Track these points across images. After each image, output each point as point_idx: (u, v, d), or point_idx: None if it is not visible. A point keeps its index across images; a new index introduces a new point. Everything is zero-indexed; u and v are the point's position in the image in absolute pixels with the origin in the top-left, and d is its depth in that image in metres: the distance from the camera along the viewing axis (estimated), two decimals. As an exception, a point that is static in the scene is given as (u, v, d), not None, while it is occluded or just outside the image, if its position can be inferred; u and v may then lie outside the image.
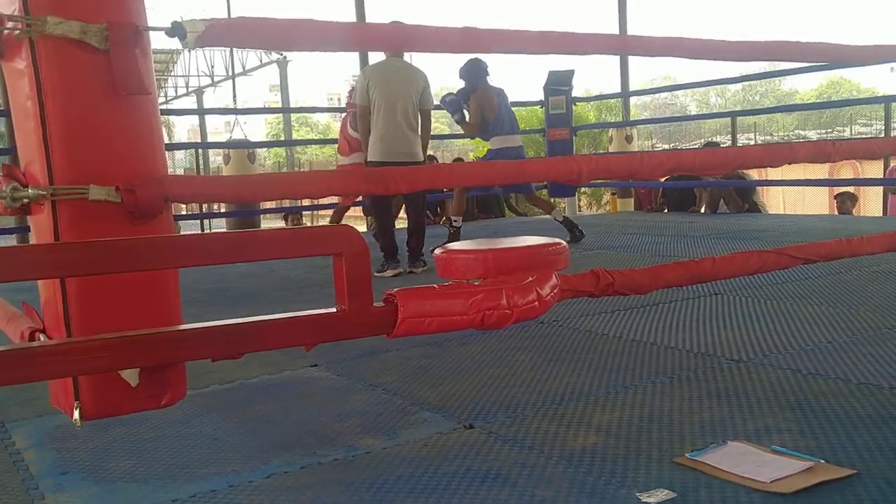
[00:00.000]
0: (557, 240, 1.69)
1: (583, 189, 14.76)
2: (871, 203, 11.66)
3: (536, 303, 1.46)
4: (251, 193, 1.59)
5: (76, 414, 1.56)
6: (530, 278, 1.49)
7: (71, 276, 1.36)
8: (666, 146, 26.08)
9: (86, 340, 1.29)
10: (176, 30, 1.55)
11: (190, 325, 1.38)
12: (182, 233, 8.85)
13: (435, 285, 1.36)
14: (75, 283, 1.47)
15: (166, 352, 1.36)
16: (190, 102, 29.47)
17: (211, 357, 1.40)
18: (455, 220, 6.00)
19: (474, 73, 5.92)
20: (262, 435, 2.10)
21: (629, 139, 9.86)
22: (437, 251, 1.78)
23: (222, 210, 9.26)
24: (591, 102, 18.18)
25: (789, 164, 2.28)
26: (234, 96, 23.72)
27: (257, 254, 1.25)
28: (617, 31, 12.24)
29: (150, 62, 1.58)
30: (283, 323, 1.25)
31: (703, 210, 8.46)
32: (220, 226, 13.98)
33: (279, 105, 24.96)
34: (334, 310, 1.26)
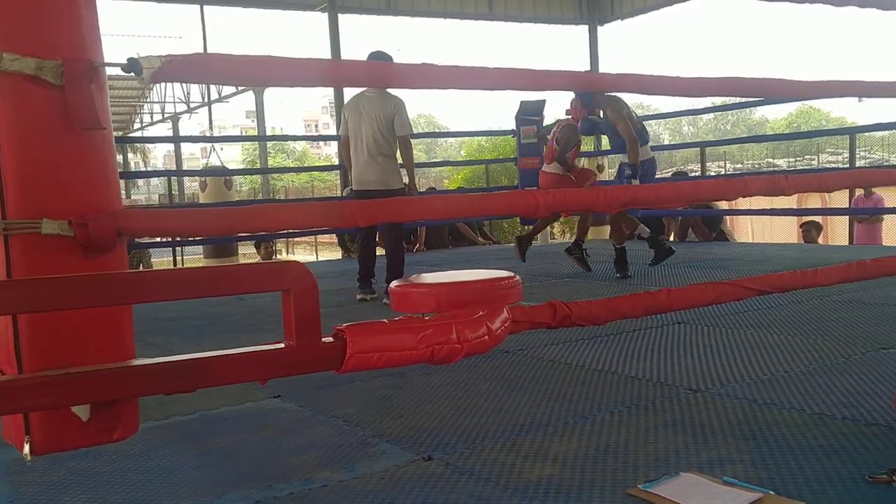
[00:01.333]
0: (510, 273, 1.72)
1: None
2: (838, 231, 11.84)
3: (486, 337, 1.48)
4: (206, 227, 1.60)
5: (27, 448, 1.55)
6: (481, 312, 1.51)
7: (19, 312, 1.36)
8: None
9: (35, 377, 1.29)
10: (132, 66, 1.56)
11: (141, 361, 1.38)
12: (152, 260, 8.77)
13: (385, 320, 1.38)
14: (26, 317, 1.47)
15: (117, 388, 1.36)
16: (165, 129, 29.39)
17: (162, 392, 1.40)
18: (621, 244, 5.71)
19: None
20: (218, 468, 2.09)
21: (600, 168, 9.96)
22: (393, 285, 1.79)
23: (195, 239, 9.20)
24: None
25: (743, 197, 2.33)
26: (211, 123, 23.69)
27: (207, 290, 1.26)
28: (588, 57, 12.45)
29: (106, 97, 1.59)
30: (231, 359, 1.26)
31: (672, 238, 8.55)
32: (195, 252, 13.90)
33: (255, 130, 24.94)
34: (282, 345, 1.27)
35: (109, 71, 1.63)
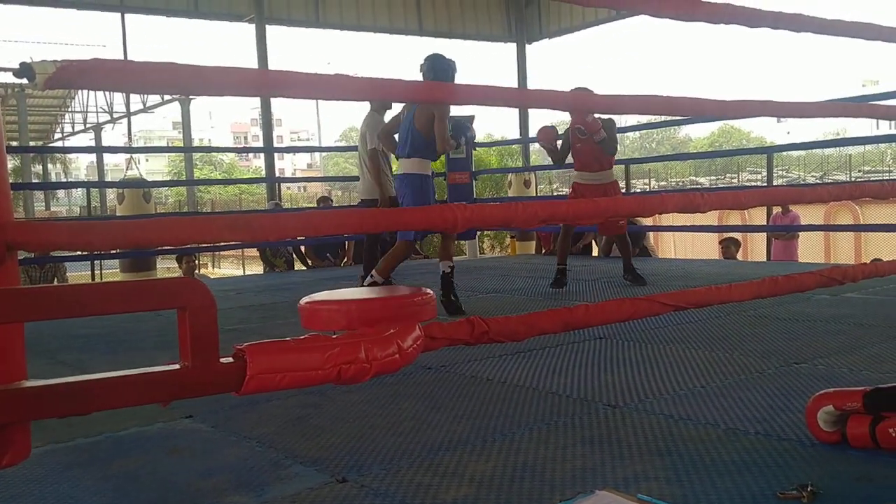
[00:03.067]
0: (424, 289, 1.69)
1: (486, 231, 14.93)
2: (757, 248, 12.19)
3: (397, 355, 1.44)
4: (104, 241, 1.52)
5: None
6: (392, 330, 1.46)
7: None
8: (567, 190, 26.75)
9: None
10: (24, 71, 1.47)
11: (30, 383, 1.30)
12: (68, 275, 8.46)
13: (289, 338, 1.33)
14: None
15: (3, 411, 1.27)
16: (88, 139, 28.60)
17: (51, 416, 1.32)
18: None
19: (440, 70, 4.72)
20: (121, 494, 1.99)
21: (528, 184, 10.06)
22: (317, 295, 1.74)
23: (113, 252, 8.93)
24: (494, 147, 18.48)
25: (660, 213, 2.35)
26: (130, 134, 23.12)
27: (95, 308, 1.19)
28: (516, 74, 12.59)
29: (-3, 104, 1.51)
30: (123, 381, 1.19)
31: (596, 254, 8.66)
32: (114, 266, 13.48)
33: (182, 141, 24.46)
34: (177, 366, 1.21)
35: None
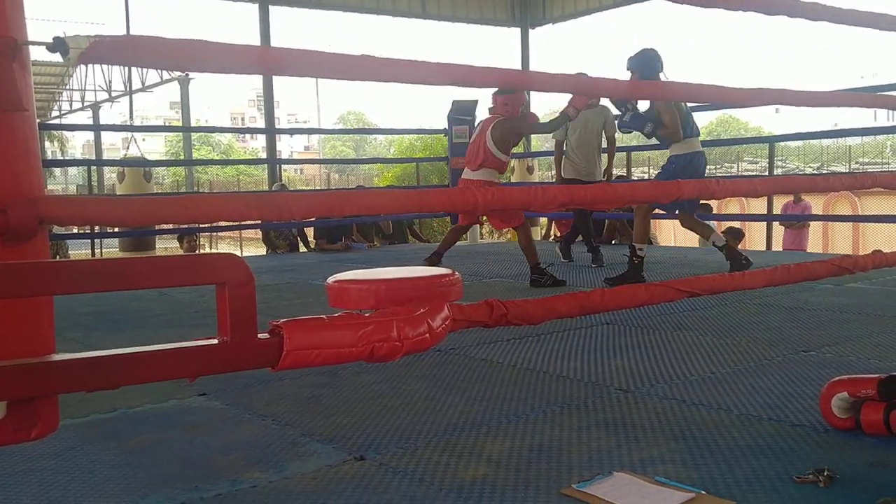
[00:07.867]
0: (450, 270, 1.70)
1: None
2: (756, 237, 12.22)
3: (427, 335, 1.45)
4: (133, 216, 1.52)
5: (-66, 448, 1.45)
6: (422, 310, 1.48)
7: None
8: (566, 177, 26.68)
9: (-56, 371, 1.20)
10: (58, 45, 1.47)
11: (61, 356, 1.30)
12: (69, 252, 8.44)
13: (324, 316, 1.34)
14: (-64, 308, 1.37)
15: (36, 384, 1.28)
16: (85, 117, 28.46)
17: (84, 389, 1.33)
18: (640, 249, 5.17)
19: (648, 64, 5.04)
20: (141, 468, 2.01)
21: (530, 170, 10.07)
22: (332, 279, 1.75)
23: (115, 230, 8.91)
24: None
25: (676, 199, 2.36)
26: (131, 114, 23.00)
27: (135, 282, 1.20)
28: (520, 59, 12.57)
29: (30, 78, 1.50)
30: (160, 355, 1.20)
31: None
32: (113, 245, 13.48)
33: (180, 122, 24.38)
34: (216, 341, 1.22)
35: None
